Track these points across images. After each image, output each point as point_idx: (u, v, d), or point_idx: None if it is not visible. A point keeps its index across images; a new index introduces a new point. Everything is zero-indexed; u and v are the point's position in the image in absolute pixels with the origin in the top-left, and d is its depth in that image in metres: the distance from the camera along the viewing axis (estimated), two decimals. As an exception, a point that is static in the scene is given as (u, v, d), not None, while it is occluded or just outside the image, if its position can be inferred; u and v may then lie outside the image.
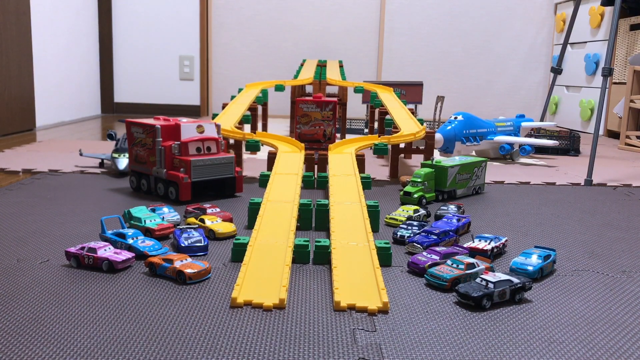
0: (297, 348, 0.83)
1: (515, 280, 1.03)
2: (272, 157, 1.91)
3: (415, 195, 1.72)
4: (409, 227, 1.38)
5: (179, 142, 1.71)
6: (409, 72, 4.64)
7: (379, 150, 2.00)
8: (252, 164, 2.39)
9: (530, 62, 4.68)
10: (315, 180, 1.84)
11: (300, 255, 1.18)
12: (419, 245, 1.27)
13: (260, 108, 3.04)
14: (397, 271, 1.16)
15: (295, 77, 3.10)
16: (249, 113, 2.32)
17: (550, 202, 1.84)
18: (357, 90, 2.79)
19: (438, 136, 2.36)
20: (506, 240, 1.31)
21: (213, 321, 0.91)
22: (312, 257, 1.21)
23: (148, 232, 1.33)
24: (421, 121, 2.22)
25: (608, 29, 3.75)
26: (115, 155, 2.08)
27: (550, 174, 2.37)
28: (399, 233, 1.36)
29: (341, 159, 1.85)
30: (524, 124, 2.81)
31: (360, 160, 1.94)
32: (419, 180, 1.74)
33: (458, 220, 1.44)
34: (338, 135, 2.98)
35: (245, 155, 2.55)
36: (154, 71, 4.47)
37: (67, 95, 3.87)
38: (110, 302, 0.97)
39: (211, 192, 1.79)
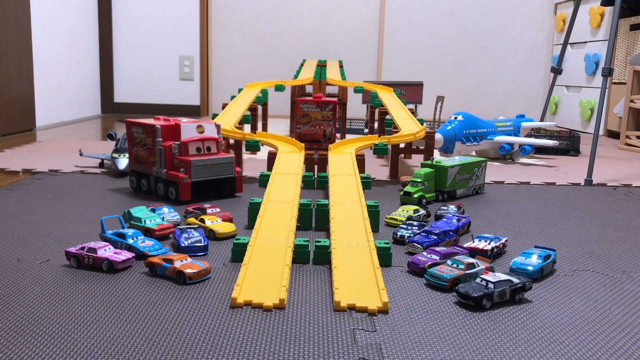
0: (297, 348, 0.83)
1: (515, 280, 1.03)
2: (272, 157, 1.91)
3: (415, 195, 1.72)
4: (409, 227, 1.38)
5: (179, 142, 1.71)
6: (409, 72, 4.64)
7: (379, 150, 2.00)
8: (252, 164, 2.39)
9: (530, 62, 4.68)
10: (315, 180, 1.84)
11: (300, 255, 1.18)
12: (419, 245, 1.27)
13: (260, 108, 3.05)
14: (397, 271, 1.16)
15: (295, 77, 3.10)
16: (249, 113, 2.32)
17: (550, 202, 1.84)
18: (357, 90, 2.79)
19: (438, 136, 2.36)
20: (506, 240, 1.31)
21: (213, 321, 0.91)
22: (312, 257, 1.21)
23: (148, 232, 1.33)
24: (421, 121, 2.22)
25: (608, 29, 3.75)
26: (115, 155, 2.08)
27: (550, 174, 2.37)
28: (399, 233, 1.36)
29: (341, 159, 1.85)
30: (524, 124, 2.81)
31: (360, 160, 1.94)
32: (419, 180, 1.74)
33: (458, 220, 1.44)
34: (338, 135, 2.98)
35: (245, 155, 2.55)
36: (154, 71, 4.47)
37: (67, 95, 3.87)
38: (110, 302, 0.97)
39: (211, 192, 1.79)
